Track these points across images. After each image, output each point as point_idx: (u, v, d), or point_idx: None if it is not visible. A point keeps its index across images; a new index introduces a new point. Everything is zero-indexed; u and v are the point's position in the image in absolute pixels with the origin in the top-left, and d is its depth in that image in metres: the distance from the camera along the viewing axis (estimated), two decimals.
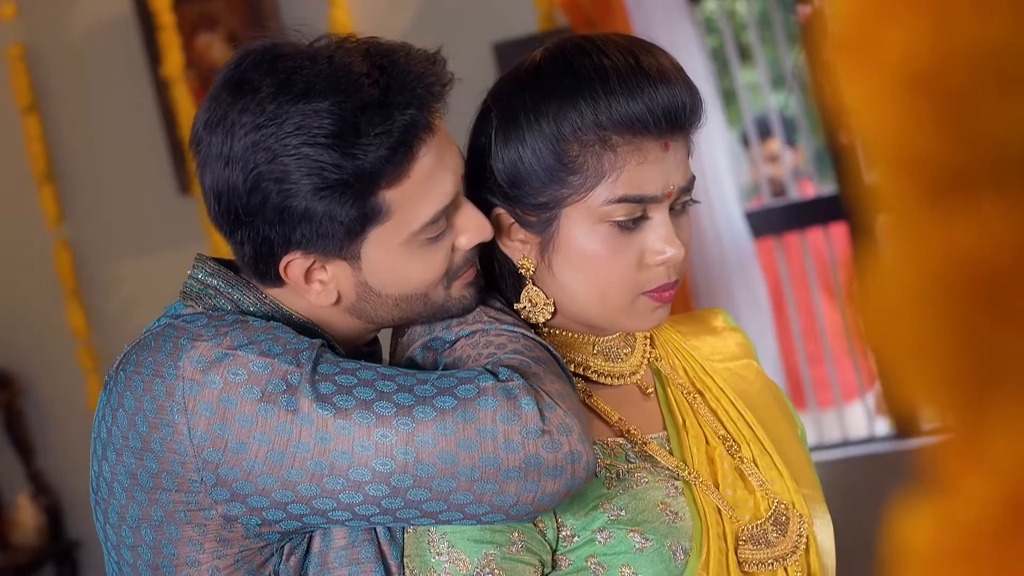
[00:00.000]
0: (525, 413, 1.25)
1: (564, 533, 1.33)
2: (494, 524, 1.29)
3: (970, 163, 0.50)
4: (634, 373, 1.46)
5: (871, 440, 4.09)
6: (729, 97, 5.43)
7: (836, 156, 3.84)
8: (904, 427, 3.94)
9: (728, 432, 1.48)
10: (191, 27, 4.22)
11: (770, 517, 1.42)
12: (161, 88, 4.25)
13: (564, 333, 1.43)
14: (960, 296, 0.51)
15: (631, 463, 1.38)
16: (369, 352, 1.45)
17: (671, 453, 1.42)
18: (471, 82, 1.39)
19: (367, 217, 1.30)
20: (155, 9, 4.13)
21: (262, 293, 1.38)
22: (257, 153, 1.28)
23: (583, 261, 1.36)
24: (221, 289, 1.37)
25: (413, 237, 1.32)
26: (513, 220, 1.39)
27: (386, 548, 1.35)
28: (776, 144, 4.46)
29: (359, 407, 1.25)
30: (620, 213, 1.34)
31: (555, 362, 1.34)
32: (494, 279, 1.44)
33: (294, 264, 1.33)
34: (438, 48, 1.34)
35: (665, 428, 1.45)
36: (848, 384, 4.38)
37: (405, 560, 1.33)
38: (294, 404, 1.25)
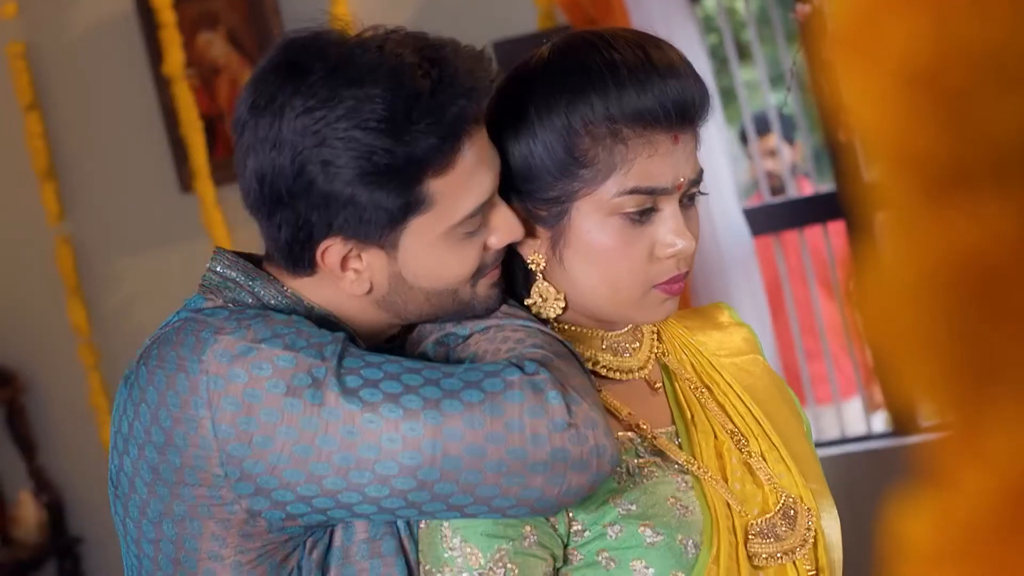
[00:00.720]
0: (552, 407, 1.25)
1: (575, 528, 1.34)
2: (519, 517, 1.29)
3: (969, 161, 0.50)
4: (642, 368, 1.46)
5: (869, 437, 4.09)
6: (728, 95, 5.43)
7: (835, 154, 3.84)
8: (902, 423, 3.94)
9: (736, 427, 1.48)
10: (192, 25, 4.22)
11: (779, 511, 1.43)
12: (162, 86, 4.25)
13: (573, 328, 1.44)
14: (959, 293, 0.51)
15: (641, 458, 1.39)
16: (388, 349, 1.44)
17: (680, 448, 1.42)
18: None
19: (410, 206, 1.30)
20: (156, 7, 4.13)
21: (283, 286, 1.37)
22: (306, 136, 1.28)
23: (595, 254, 1.36)
24: (241, 281, 1.37)
25: (452, 230, 1.32)
26: (525, 216, 1.39)
27: (406, 542, 1.35)
28: (774, 140, 4.46)
29: (386, 400, 1.25)
30: (631, 205, 1.34)
31: (573, 357, 1.35)
32: (504, 275, 1.44)
33: (332, 250, 1.32)
34: (483, 46, 1.36)
35: (673, 423, 1.46)
36: (846, 381, 4.38)
37: (419, 555, 1.34)
38: (320, 398, 1.25)
